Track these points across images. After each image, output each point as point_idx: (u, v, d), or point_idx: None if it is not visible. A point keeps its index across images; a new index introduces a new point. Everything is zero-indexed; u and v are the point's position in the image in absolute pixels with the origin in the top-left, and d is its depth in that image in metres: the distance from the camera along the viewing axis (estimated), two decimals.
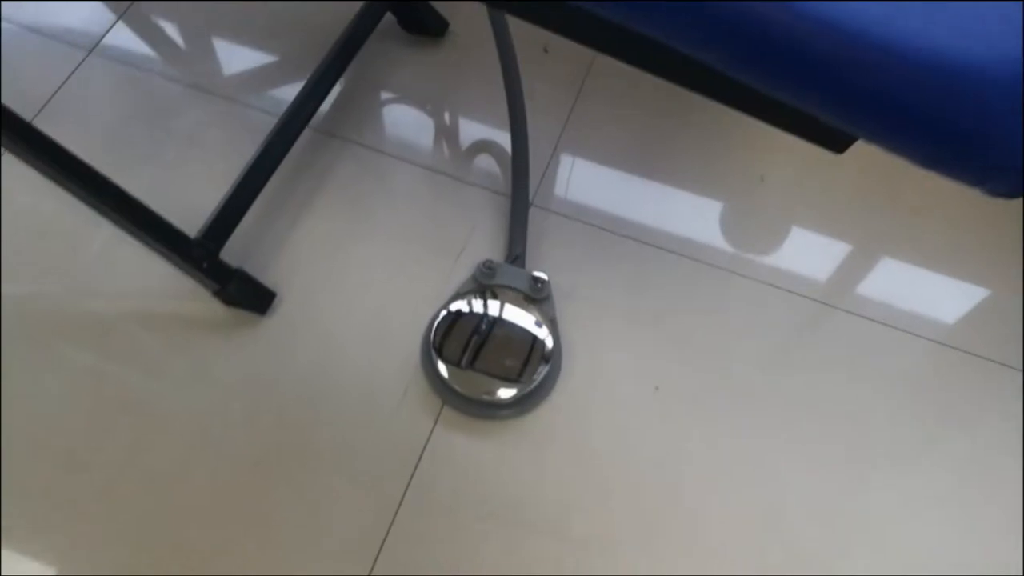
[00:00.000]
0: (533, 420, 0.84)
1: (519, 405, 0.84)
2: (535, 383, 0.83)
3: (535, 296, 0.87)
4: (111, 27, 1.07)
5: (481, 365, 0.83)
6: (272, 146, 0.90)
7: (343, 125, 1.02)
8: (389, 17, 1.09)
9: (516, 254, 0.91)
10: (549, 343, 0.84)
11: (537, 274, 0.87)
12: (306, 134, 1.00)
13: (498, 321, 0.85)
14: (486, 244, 0.94)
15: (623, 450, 0.83)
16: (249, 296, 0.87)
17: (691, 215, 0.98)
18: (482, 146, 1.02)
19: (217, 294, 0.86)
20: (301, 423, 0.82)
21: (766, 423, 0.85)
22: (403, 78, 1.07)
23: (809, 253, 0.97)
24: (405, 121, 1.03)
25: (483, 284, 0.88)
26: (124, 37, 1.07)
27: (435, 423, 0.83)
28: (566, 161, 1.01)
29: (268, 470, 0.80)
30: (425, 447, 0.82)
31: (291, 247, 0.92)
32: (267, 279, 0.88)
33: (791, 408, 0.86)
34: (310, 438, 0.81)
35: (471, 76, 1.07)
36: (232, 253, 0.88)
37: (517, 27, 0.92)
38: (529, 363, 0.83)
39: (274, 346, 0.86)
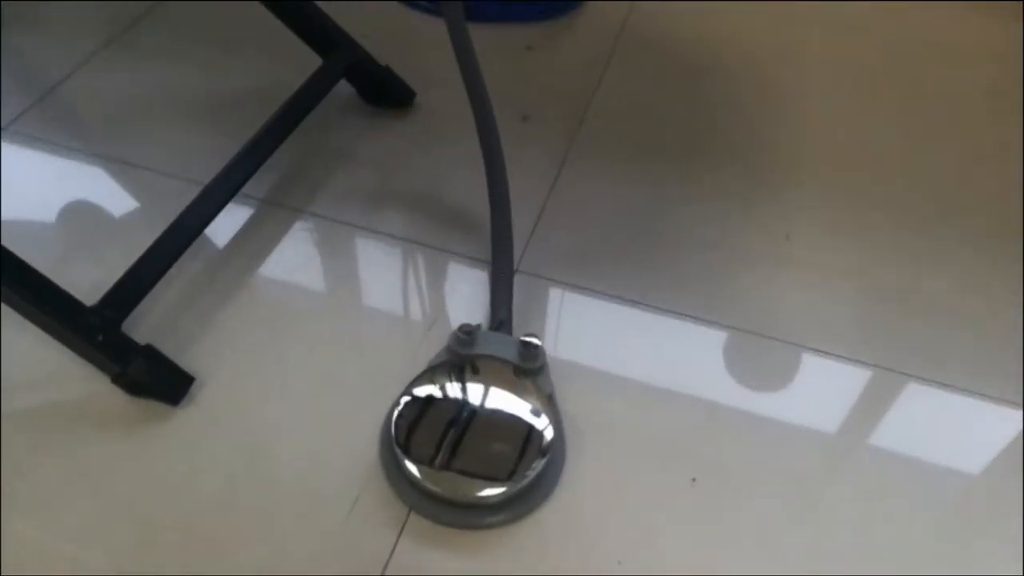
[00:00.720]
0: (530, 527, 0.63)
1: (511, 508, 0.63)
2: (528, 478, 0.62)
3: (527, 366, 0.68)
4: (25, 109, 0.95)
5: (461, 463, 0.63)
6: (193, 210, 0.75)
7: (293, 195, 0.87)
8: (352, 90, 0.98)
9: (501, 319, 0.73)
10: (548, 429, 0.65)
11: (528, 339, 0.69)
12: (248, 205, 0.85)
13: (481, 405, 0.66)
14: (462, 314, 0.77)
15: (650, 558, 0.61)
16: (159, 379, 0.67)
17: (699, 280, 0.82)
18: (456, 213, 0.87)
19: (118, 379, 0.66)
20: (219, 541, 0.60)
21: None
22: (365, 148, 0.94)
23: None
24: (366, 190, 0.89)
25: (460, 355, 0.70)
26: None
27: (399, 535, 0.61)
28: (554, 228, 0.86)
29: None
30: (386, 566, 0.59)
31: (218, 326, 0.74)
32: (184, 362, 0.69)
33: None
34: (232, 561, 0.59)
35: (442, 145, 0.94)
36: (141, 332, 0.70)
37: (495, 95, 0.81)
38: (525, 455, 0.63)
39: (188, 444, 0.66)
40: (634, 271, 0.82)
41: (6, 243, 0.62)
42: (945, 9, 1.19)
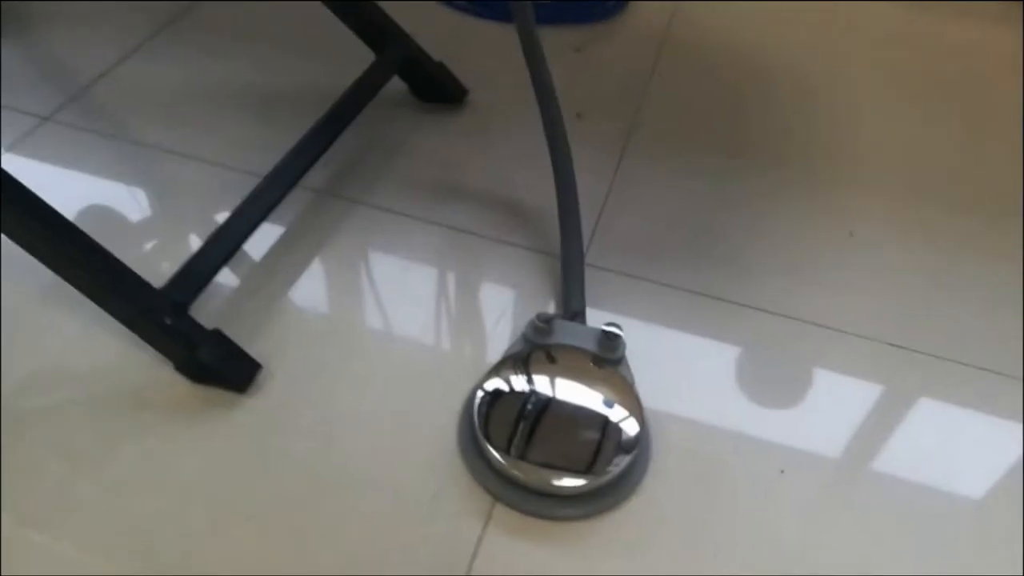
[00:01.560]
0: (620, 520, 0.60)
1: (597, 502, 0.60)
2: (612, 473, 0.60)
3: (607, 356, 0.66)
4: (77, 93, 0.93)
5: (536, 455, 0.60)
6: (256, 198, 0.73)
7: (351, 186, 0.85)
8: (403, 87, 0.96)
9: (575, 309, 0.71)
10: (631, 422, 0.62)
11: (609, 327, 0.67)
12: (305, 196, 0.83)
13: (560, 395, 0.63)
14: (530, 306, 0.74)
15: (746, 546, 0.59)
16: (227, 366, 0.64)
17: (764, 272, 0.80)
18: (517, 206, 0.85)
19: (183, 367, 0.64)
20: (294, 536, 0.57)
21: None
22: (421, 143, 0.92)
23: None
24: (425, 183, 0.87)
25: (536, 344, 0.67)
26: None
27: (486, 525, 0.59)
28: (617, 222, 0.84)
29: None
30: (474, 559, 0.57)
31: (285, 314, 0.72)
32: (252, 350, 0.67)
33: None
34: (308, 559, 0.56)
35: (498, 141, 0.93)
36: (205, 319, 0.67)
37: None
38: (604, 447, 0.61)
39: (257, 434, 0.63)
40: (699, 264, 0.80)
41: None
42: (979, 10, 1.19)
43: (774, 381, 0.71)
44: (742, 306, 0.76)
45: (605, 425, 0.62)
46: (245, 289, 0.74)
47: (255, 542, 0.57)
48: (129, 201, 0.83)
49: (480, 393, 0.63)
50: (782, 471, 0.64)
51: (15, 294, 0.70)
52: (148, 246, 0.78)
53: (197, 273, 0.65)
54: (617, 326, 0.67)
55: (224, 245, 0.68)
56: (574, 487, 0.59)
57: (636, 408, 0.63)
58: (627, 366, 0.67)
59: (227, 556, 0.56)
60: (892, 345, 0.74)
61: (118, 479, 0.60)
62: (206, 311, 0.70)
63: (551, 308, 0.74)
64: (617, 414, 0.62)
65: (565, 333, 0.68)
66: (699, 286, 0.78)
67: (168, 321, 0.62)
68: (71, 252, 0.60)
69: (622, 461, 0.60)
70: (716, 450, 0.65)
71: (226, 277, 0.73)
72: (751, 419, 0.67)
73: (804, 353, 0.73)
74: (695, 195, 0.88)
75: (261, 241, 0.78)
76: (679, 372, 0.70)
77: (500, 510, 0.59)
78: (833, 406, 0.69)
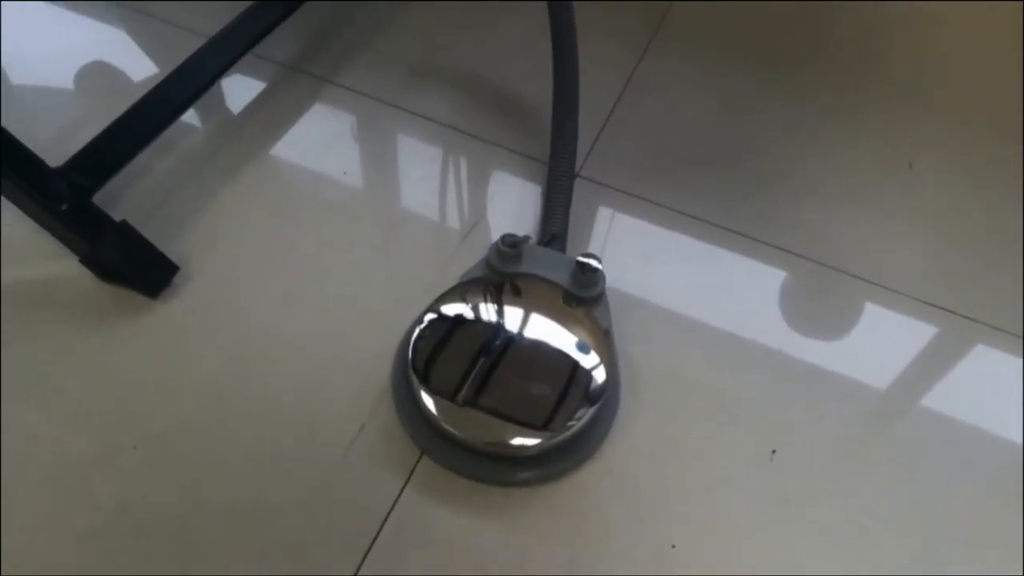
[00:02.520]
0: (567, 490, 0.51)
1: (547, 464, 0.51)
2: (571, 430, 0.50)
3: (582, 294, 0.55)
4: None
5: (489, 401, 0.50)
6: (194, 63, 0.62)
7: (321, 62, 0.73)
8: None
9: (553, 233, 0.60)
10: (600, 371, 0.52)
11: (585, 259, 0.55)
12: (267, 69, 0.72)
13: (520, 334, 0.53)
14: (508, 221, 0.64)
15: (709, 542, 0.49)
16: (135, 265, 0.56)
17: (779, 202, 0.67)
18: (510, 101, 0.73)
19: (87, 261, 0.55)
20: (185, 465, 0.50)
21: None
22: (409, 15, 0.79)
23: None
24: (406, 64, 0.75)
25: (500, 272, 0.57)
26: None
27: (406, 482, 0.50)
28: (626, 131, 0.71)
29: (107, 540, 0.47)
30: (385, 522, 0.48)
31: (216, 209, 0.62)
32: (171, 248, 0.57)
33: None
34: (200, 499, 0.48)
35: (501, 19, 0.79)
36: (120, 210, 0.58)
37: None
38: (565, 400, 0.51)
39: (166, 345, 0.54)
40: (716, 189, 0.67)
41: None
42: None
43: (784, 335, 0.59)
44: (761, 243, 0.64)
45: (566, 374, 0.52)
46: (177, 175, 0.64)
47: (142, 477, 0.49)
48: (87, 69, 0.72)
49: (421, 324, 0.53)
50: (773, 451, 0.53)
51: None
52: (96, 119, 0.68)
53: (105, 153, 0.56)
54: (596, 258, 0.55)
55: (147, 120, 0.58)
56: (522, 446, 0.50)
57: (608, 358, 0.53)
58: (606, 306, 0.56)
59: (105, 492, 0.48)
60: (935, 307, 0.61)
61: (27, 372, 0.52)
62: (125, 200, 0.60)
63: (530, 227, 0.63)
64: (582, 361, 0.52)
65: (535, 261, 0.57)
66: (711, 214, 0.65)
67: (64, 207, 0.52)
68: None
69: (584, 415, 0.50)
70: (694, 412, 0.54)
71: (152, 158, 0.63)
72: (747, 384, 0.56)
73: (836, 309, 0.61)
74: (727, 106, 0.74)
75: (203, 117, 0.67)
76: (669, 317, 0.59)
77: (427, 464, 0.51)
78: (818, 366, 0.57)
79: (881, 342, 0.59)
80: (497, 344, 0.53)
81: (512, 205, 0.65)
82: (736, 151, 0.71)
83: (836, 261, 0.63)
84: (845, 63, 0.80)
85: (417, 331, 0.53)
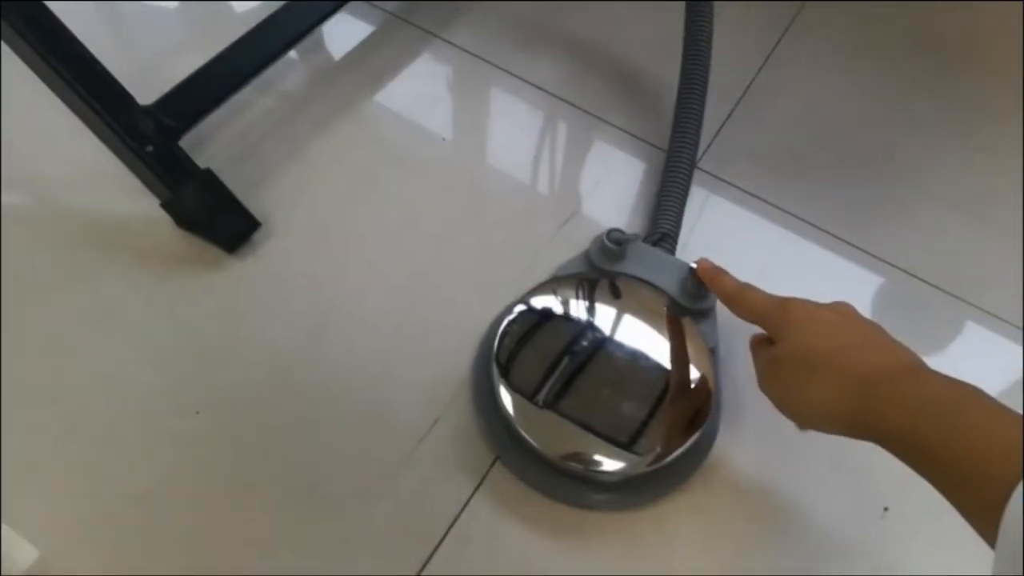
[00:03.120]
0: (648, 522, 0.46)
1: (628, 491, 0.46)
2: (662, 461, 0.45)
3: (690, 305, 0.50)
4: None
5: (570, 407, 0.46)
6: (286, 11, 0.57)
7: (430, 14, 0.68)
8: None
9: (663, 232, 0.54)
10: (701, 395, 0.47)
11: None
12: (373, 15, 0.67)
13: (611, 338, 0.48)
14: (612, 210, 0.58)
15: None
16: (215, 216, 0.52)
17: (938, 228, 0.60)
18: (630, 77, 0.67)
19: (168, 206, 0.52)
20: (239, 449, 0.47)
21: None
22: None
23: None
24: (521, 26, 0.69)
25: (600, 269, 0.51)
26: None
27: (477, 486, 0.46)
28: (756, 119, 0.64)
29: (153, 507, 0.44)
30: (451, 528, 0.45)
31: (306, 163, 0.58)
32: (254, 203, 0.54)
33: None
34: (251, 480, 0.46)
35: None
36: (207, 158, 0.55)
37: None
38: (656, 421, 0.46)
39: (234, 307, 0.51)
40: (841, 196, 0.61)
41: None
42: None
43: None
44: (883, 262, 0.57)
45: (666, 395, 0.47)
46: (268, 121, 0.60)
47: (193, 444, 0.46)
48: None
49: (510, 316, 0.49)
50: (885, 508, 0.47)
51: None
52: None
53: (198, 94, 0.52)
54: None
55: (241, 63, 0.54)
56: (610, 468, 0.45)
57: (712, 381, 0.47)
58: (714, 321, 0.51)
59: (158, 453, 0.46)
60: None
61: (59, 317, 0.50)
62: (212, 147, 0.57)
63: (636, 219, 0.58)
64: (686, 383, 0.47)
65: (641, 261, 0.51)
66: (835, 224, 0.59)
67: (150, 149, 0.49)
68: (52, 51, 0.47)
69: (676, 446, 0.45)
70: (799, 455, 0.49)
71: (246, 104, 0.60)
72: None
73: (947, 337, 0.54)
74: (869, 103, 0.66)
75: (301, 60, 0.63)
76: None
77: (500, 470, 0.46)
78: None
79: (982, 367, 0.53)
80: (588, 348, 0.48)
81: (618, 192, 0.59)
82: (865, 156, 0.63)
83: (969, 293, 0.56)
84: (1003, 70, 0.71)
85: (505, 322, 0.49)
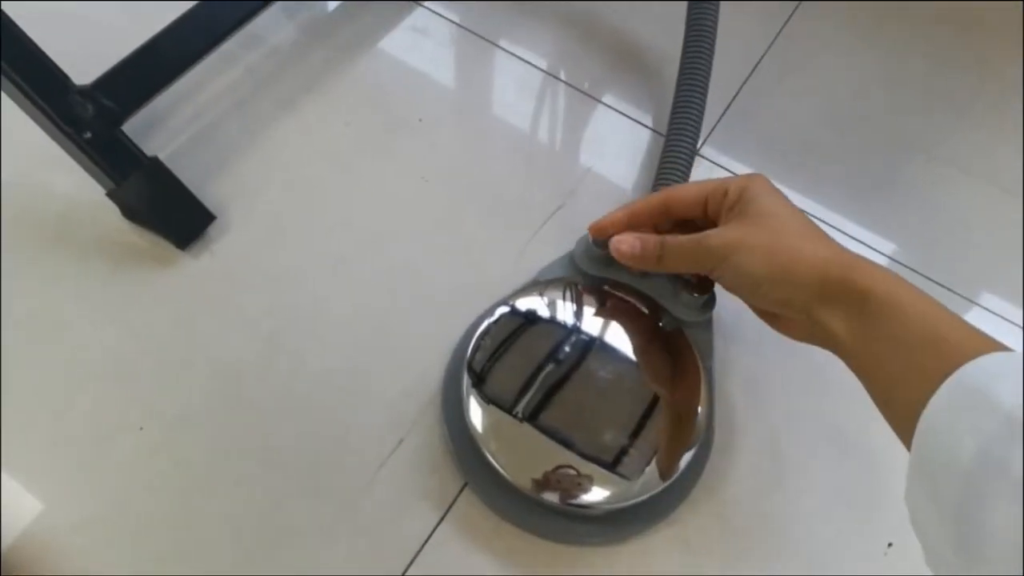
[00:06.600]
0: (627, 556, 0.42)
1: (608, 523, 0.42)
2: (646, 494, 0.41)
3: (685, 317, 0.45)
4: None
5: (550, 422, 0.42)
6: None
7: None
8: None
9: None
10: (693, 418, 0.42)
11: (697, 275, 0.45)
12: None
13: (596, 349, 0.44)
14: (603, 200, 0.53)
15: None
16: (165, 210, 0.48)
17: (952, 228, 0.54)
18: (629, 55, 0.61)
19: (113, 195, 0.47)
20: (187, 473, 0.43)
21: None
22: None
23: None
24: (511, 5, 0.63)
25: (586, 274, 0.47)
26: None
27: (443, 516, 0.42)
28: (761, 103, 0.59)
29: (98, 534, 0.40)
30: (412, 562, 0.41)
31: (267, 150, 0.53)
32: (208, 194, 0.49)
33: None
34: (198, 505, 0.42)
35: None
36: (155, 144, 0.50)
37: None
38: (640, 444, 0.42)
39: (185, 308, 0.47)
40: (851, 187, 0.55)
41: None
42: None
43: None
44: (885, 256, 0.52)
45: (653, 416, 0.42)
46: (228, 100, 0.55)
47: (137, 465, 0.42)
48: None
49: (484, 323, 0.44)
50: (889, 544, 0.43)
51: None
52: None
53: (141, 73, 0.47)
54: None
55: (187, 39, 0.49)
56: (592, 499, 0.41)
57: (707, 402, 0.43)
58: (711, 336, 0.46)
59: (105, 466, 0.42)
60: None
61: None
62: (162, 133, 0.52)
63: None
64: (676, 404, 0.42)
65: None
66: (837, 218, 0.54)
67: (88, 136, 0.44)
68: None
69: (666, 477, 0.41)
70: (798, 488, 0.44)
71: (199, 83, 0.55)
72: (863, 460, 0.46)
73: None
74: (885, 86, 0.61)
75: (262, 39, 0.58)
76: (786, 354, 0.49)
77: (470, 496, 0.43)
78: None
79: None
80: (567, 355, 0.43)
81: (611, 181, 0.54)
82: (873, 145, 0.58)
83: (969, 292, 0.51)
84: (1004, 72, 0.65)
85: (481, 330, 0.44)
